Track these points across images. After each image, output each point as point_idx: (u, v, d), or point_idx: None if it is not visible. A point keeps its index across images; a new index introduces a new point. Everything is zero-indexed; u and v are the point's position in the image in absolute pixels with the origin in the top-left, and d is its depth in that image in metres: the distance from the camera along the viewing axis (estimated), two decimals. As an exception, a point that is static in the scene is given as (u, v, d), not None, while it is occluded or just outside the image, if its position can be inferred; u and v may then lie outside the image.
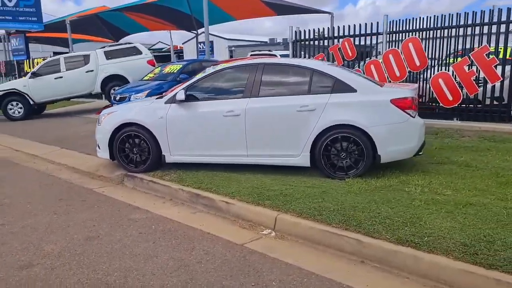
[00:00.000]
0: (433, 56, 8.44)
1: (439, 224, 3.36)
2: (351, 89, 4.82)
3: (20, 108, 12.25)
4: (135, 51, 13.17)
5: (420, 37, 8.39)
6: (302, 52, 10.37)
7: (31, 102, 12.29)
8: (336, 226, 3.52)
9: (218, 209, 4.34)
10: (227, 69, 5.48)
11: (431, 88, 8.17)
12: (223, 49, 29.99)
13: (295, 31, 10.44)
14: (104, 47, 13.35)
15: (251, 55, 17.63)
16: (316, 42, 10.08)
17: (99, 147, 5.75)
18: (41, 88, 12.29)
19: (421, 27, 8.38)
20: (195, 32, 22.21)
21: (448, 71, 8.02)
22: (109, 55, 12.90)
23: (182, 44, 33.05)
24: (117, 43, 14.85)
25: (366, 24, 9.14)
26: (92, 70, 12.64)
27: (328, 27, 9.86)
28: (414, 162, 5.48)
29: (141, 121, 5.36)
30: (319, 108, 4.78)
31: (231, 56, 27.53)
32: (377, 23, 8.92)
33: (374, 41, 9.31)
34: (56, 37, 27.52)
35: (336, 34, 9.59)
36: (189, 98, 5.23)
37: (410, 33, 8.53)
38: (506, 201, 3.92)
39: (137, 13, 20.79)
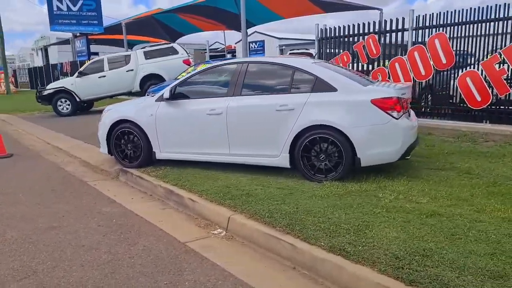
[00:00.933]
0: (463, 53, 7.79)
1: (384, 234, 3.10)
2: (332, 88, 4.61)
3: (68, 105, 13.28)
4: (172, 51, 13.66)
5: (448, 33, 7.78)
6: (328, 50, 10.10)
7: (78, 100, 13.27)
8: (280, 230, 3.39)
9: (185, 206, 4.39)
10: (214, 68, 5.50)
11: (458, 88, 7.56)
12: (273, 48, 30.04)
13: (321, 29, 10.19)
14: (144, 47, 14.02)
15: (290, 53, 17.38)
16: (343, 40, 9.75)
17: (100, 142, 6.08)
18: (86, 87, 13.22)
19: (449, 21, 7.75)
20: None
21: (478, 69, 7.36)
22: (148, 55, 13.53)
23: (235, 43, 33.67)
24: (156, 43, 15.48)
25: (391, 20, 8.65)
26: (132, 70, 13.35)
27: (353, 24, 9.46)
28: (409, 167, 5.11)
29: (133, 118, 5.57)
30: (298, 107, 4.63)
31: (281, 54, 27.57)
32: (403, 18, 8.40)
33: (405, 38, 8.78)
34: (117, 39, 29.38)
35: (361, 31, 9.19)
36: (177, 96, 5.33)
37: (438, 29, 7.93)
38: (480, 213, 3.51)
39: (189, 14, 21.45)
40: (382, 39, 8.87)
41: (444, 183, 4.46)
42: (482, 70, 7.19)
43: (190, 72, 11.33)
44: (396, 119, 4.42)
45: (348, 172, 4.56)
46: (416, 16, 8.22)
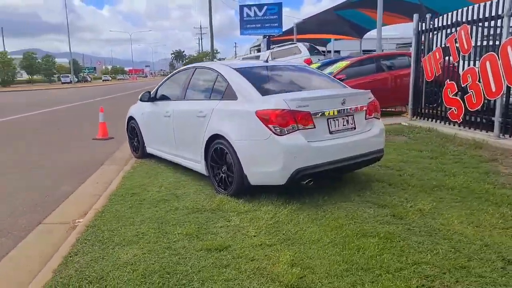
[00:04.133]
0: None
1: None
2: (234, 96, 4.21)
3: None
4: (296, 51, 13.88)
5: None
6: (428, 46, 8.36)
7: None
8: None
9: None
10: (178, 72, 5.70)
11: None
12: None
13: (417, 21, 8.50)
14: (273, 47, 14.71)
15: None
16: (437, 32, 7.92)
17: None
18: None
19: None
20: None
21: None
22: (274, 55, 14.19)
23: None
24: (284, 43, 15.82)
25: (485, 4, 6.54)
26: (259, 70, 14.29)
27: (453, 12, 7.54)
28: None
29: (134, 115, 6.41)
30: (208, 115, 4.44)
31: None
32: (497, 1, 6.24)
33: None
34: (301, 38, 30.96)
35: (452, 21, 7.28)
36: (155, 98, 5.83)
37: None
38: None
39: (367, 9, 20.54)
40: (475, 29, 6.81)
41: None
42: None
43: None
44: (278, 135, 3.69)
45: (241, 189, 4.08)
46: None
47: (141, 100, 5.80)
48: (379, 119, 4.51)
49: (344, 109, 3.99)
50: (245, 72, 4.43)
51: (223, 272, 2.59)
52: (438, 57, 7.77)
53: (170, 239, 3.14)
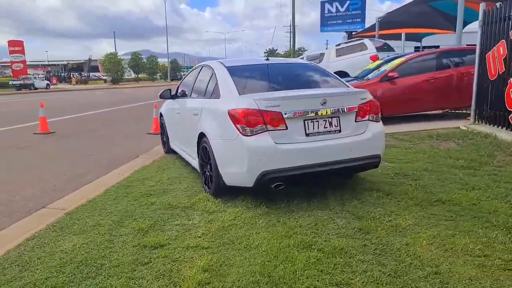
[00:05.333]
0: None
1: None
2: (218, 95, 4.18)
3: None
4: (362, 47, 13.17)
5: None
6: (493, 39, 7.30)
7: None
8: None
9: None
10: (192, 70, 5.78)
11: None
12: None
13: (484, 10, 7.46)
14: (339, 44, 14.15)
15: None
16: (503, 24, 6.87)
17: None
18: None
19: None
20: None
21: None
22: (339, 52, 13.65)
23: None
24: (350, 40, 14.92)
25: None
26: (323, 67, 13.88)
27: None
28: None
29: (162, 112, 6.73)
30: (199, 113, 4.48)
31: None
32: None
33: None
34: (392, 34, 28.97)
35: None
36: (175, 95, 6.04)
37: None
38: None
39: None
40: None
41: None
42: None
43: (369, 68, 10.43)
44: (245, 135, 3.56)
45: (220, 189, 4.04)
46: None
47: (160, 97, 6.08)
48: (378, 121, 4.10)
49: (323, 111, 3.70)
50: (234, 70, 4.37)
51: (134, 270, 2.63)
52: (502, 52, 6.72)
53: (118, 232, 3.27)
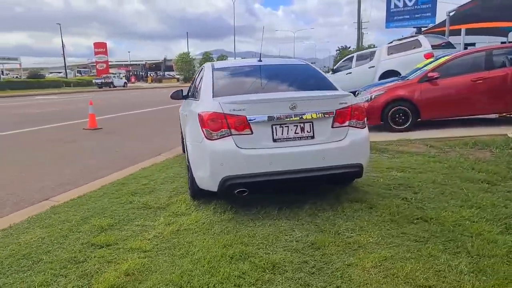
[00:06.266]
0: None
1: None
2: (199, 97, 4.18)
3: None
4: (415, 45, 12.26)
5: None
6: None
7: (329, 94, 14.67)
8: None
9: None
10: (199, 70, 5.78)
11: None
12: None
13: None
14: (392, 41, 13.31)
15: None
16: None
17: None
18: (336, 82, 14.30)
19: None
20: None
21: None
22: (391, 50, 12.84)
23: None
24: (405, 37, 13.77)
25: None
26: (373, 66, 13.18)
27: None
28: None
29: (179, 112, 6.88)
30: (188, 115, 4.53)
31: None
32: None
33: None
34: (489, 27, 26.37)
35: None
36: (186, 95, 6.11)
37: None
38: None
39: None
40: None
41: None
42: None
43: (417, 67, 9.79)
44: (209, 139, 3.50)
45: (196, 191, 4.02)
46: None
47: (171, 97, 6.21)
48: (362, 127, 3.77)
49: (293, 115, 3.50)
50: (220, 72, 4.33)
51: (64, 268, 2.73)
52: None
53: (78, 229, 3.41)
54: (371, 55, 13.37)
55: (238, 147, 3.44)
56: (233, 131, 3.46)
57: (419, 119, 7.98)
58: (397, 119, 8.01)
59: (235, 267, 2.64)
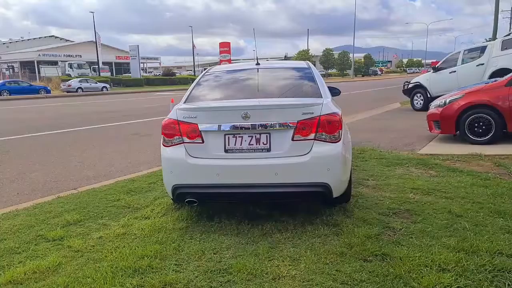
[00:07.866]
0: None
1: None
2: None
3: (422, 100, 13.35)
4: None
5: None
6: None
7: (428, 96, 13.01)
8: None
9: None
10: None
11: None
12: None
13: None
14: (508, 34, 11.11)
15: None
16: None
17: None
18: (437, 82, 12.61)
19: None
20: None
21: None
22: (506, 45, 10.79)
23: None
24: None
25: None
26: (482, 64, 11.25)
27: None
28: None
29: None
30: None
31: None
32: None
33: None
34: None
35: None
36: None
37: None
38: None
39: None
40: None
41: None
42: None
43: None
44: (164, 146, 3.44)
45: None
46: None
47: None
48: (332, 142, 3.24)
49: (246, 125, 3.21)
50: (209, 76, 4.22)
51: (-1, 257, 3.00)
52: None
53: (49, 221, 3.69)
54: (481, 51, 11.42)
55: (190, 155, 3.31)
56: (185, 138, 3.34)
57: (505, 130, 6.53)
58: (476, 128, 6.70)
59: (125, 281, 2.55)
